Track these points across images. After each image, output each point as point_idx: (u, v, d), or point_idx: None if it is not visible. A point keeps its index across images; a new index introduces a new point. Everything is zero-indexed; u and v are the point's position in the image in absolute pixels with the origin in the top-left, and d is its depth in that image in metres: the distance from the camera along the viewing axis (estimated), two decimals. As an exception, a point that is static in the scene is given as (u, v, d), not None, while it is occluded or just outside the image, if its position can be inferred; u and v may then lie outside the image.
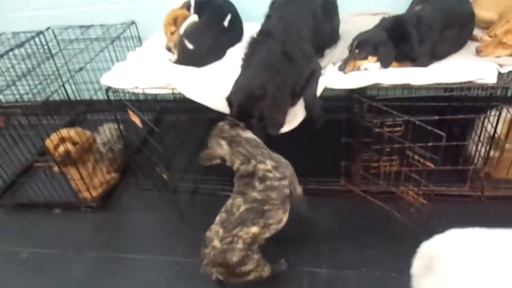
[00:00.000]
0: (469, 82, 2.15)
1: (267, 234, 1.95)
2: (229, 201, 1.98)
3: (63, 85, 2.82)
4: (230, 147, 2.06)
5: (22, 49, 3.00)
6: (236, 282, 1.95)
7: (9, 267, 2.52)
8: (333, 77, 2.28)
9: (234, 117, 2.13)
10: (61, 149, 2.60)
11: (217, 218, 1.95)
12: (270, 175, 1.98)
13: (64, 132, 2.63)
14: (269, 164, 2.00)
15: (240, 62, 2.31)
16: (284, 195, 2.00)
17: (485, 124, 2.36)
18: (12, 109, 2.51)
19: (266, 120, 2.11)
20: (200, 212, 2.72)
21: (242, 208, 1.92)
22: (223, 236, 1.86)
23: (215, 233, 1.90)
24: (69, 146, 2.63)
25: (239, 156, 2.04)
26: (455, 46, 2.32)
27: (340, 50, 2.54)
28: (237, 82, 2.18)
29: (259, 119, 2.11)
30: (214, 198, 2.78)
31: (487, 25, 2.43)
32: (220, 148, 2.12)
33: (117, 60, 3.26)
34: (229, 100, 2.18)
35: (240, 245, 1.85)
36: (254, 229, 1.89)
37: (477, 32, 2.43)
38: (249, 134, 2.09)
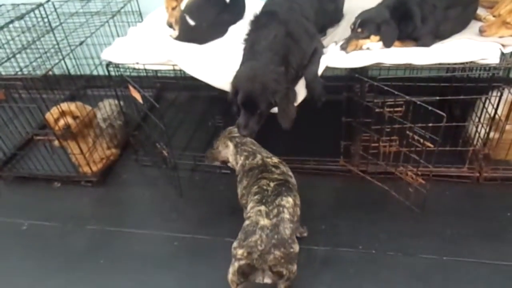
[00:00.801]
0: (471, 62, 2.14)
1: (295, 217, 1.93)
2: (254, 187, 1.97)
3: (63, 59, 2.80)
4: (236, 147, 2.19)
5: (22, 21, 2.97)
6: (290, 276, 1.80)
7: (9, 238, 2.55)
8: (335, 56, 2.26)
9: (240, 103, 2.09)
10: (61, 122, 2.60)
11: (251, 204, 1.91)
12: (281, 166, 2.09)
13: (64, 106, 2.63)
14: (275, 159, 2.13)
15: (243, 44, 2.28)
16: (295, 185, 2.05)
17: (486, 105, 2.36)
18: (12, 81, 2.49)
19: (279, 114, 2.12)
20: (199, 190, 2.75)
21: (272, 184, 1.95)
22: (268, 211, 1.82)
23: (257, 213, 1.83)
24: (70, 120, 2.63)
25: (243, 153, 2.16)
26: (459, 25, 2.30)
27: (342, 29, 2.52)
28: (246, 69, 2.13)
29: (265, 111, 2.10)
30: (213, 176, 2.81)
31: (491, 5, 2.41)
32: (226, 149, 2.24)
33: (118, 36, 3.22)
34: (234, 85, 2.12)
35: (287, 214, 1.82)
36: (291, 200, 1.90)
37: (481, 11, 2.41)
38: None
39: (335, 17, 2.65)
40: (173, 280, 2.20)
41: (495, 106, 2.27)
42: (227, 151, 2.24)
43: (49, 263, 2.36)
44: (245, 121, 2.10)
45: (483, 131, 2.42)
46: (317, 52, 2.27)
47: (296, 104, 2.26)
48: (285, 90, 2.09)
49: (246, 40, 2.28)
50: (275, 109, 2.18)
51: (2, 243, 2.52)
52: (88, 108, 2.82)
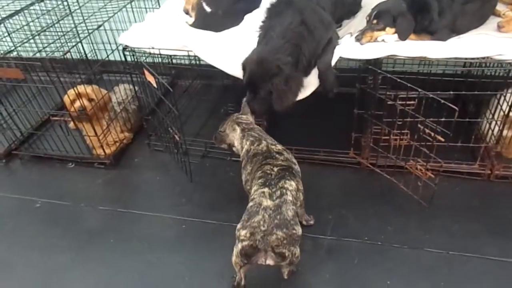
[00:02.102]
0: (487, 58, 2.12)
1: (298, 203, 1.97)
2: (258, 172, 2.00)
3: (81, 42, 2.84)
4: (242, 131, 2.23)
5: (42, 4, 3.02)
6: (293, 259, 1.82)
7: (23, 214, 2.62)
8: (349, 47, 2.26)
9: (244, 83, 2.17)
10: (77, 104, 2.65)
11: (255, 187, 1.94)
12: (285, 153, 2.12)
13: (81, 88, 2.68)
14: (279, 146, 2.15)
15: (258, 30, 2.31)
16: (298, 172, 2.08)
17: (500, 102, 2.33)
18: (31, 61, 2.54)
19: (274, 97, 2.15)
20: (209, 175, 2.78)
21: (275, 169, 1.99)
22: (271, 192, 1.85)
23: (260, 194, 1.86)
24: (85, 102, 2.68)
25: (250, 138, 2.19)
26: (476, 20, 2.28)
27: (358, 20, 2.52)
28: (254, 54, 2.18)
29: (266, 94, 2.15)
30: (222, 163, 2.84)
31: (511, 1, 2.37)
32: (233, 132, 2.27)
33: (135, 21, 3.26)
34: (244, 66, 2.20)
35: (289, 196, 1.86)
36: (294, 184, 1.93)
37: (500, 7, 2.37)
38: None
39: (353, 8, 2.64)
40: (179, 262, 2.24)
41: (510, 103, 2.25)
42: (234, 135, 2.27)
43: (60, 240, 2.42)
44: (248, 99, 2.22)
45: (496, 128, 2.40)
46: (331, 42, 2.27)
47: (306, 94, 2.28)
48: (285, 76, 2.11)
49: (261, 27, 2.31)
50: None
51: (16, 219, 2.59)
52: (104, 91, 2.86)
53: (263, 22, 2.31)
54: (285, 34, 2.15)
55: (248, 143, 2.18)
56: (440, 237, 2.24)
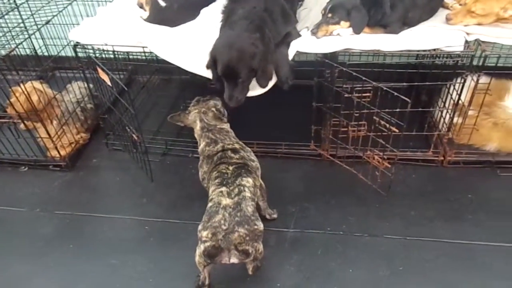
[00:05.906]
0: (437, 49, 2.20)
1: (256, 198, 1.99)
2: (214, 172, 2.01)
3: (29, 38, 2.70)
4: (201, 130, 2.22)
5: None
6: (257, 255, 1.84)
7: (-27, 223, 2.49)
8: (305, 41, 2.28)
9: (221, 74, 2.12)
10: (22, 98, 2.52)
11: (212, 187, 1.95)
12: (241, 151, 2.12)
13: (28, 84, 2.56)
14: (236, 145, 2.15)
15: (220, 17, 2.29)
16: (256, 168, 2.10)
17: (450, 92, 2.43)
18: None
19: (257, 74, 2.15)
20: (170, 174, 2.74)
21: (230, 168, 2.00)
22: (229, 191, 1.87)
23: (218, 194, 1.87)
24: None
25: (206, 139, 2.18)
26: (427, 13, 2.35)
27: (314, 14, 2.53)
28: (223, 39, 2.14)
29: (248, 77, 2.13)
30: (184, 160, 2.80)
31: (458, -7, 2.47)
32: (194, 123, 2.27)
33: (87, 16, 3.14)
34: (214, 55, 2.13)
35: (248, 193, 1.87)
36: (251, 180, 1.95)
37: (448, 0, 2.46)
38: (224, 125, 2.27)
39: None
40: (143, 264, 2.20)
41: (459, 92, 2.35)
42: (195, 126, 2.27)
43: (16, 249, 2.32)
44: (229, 92, 2.14)
45: (447, 116, 2.50)
46: (289, 36, 2.29)
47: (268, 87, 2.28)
48: (262, 52, 2.11)
49: (223, 12, 2.29)
50: (252, 92, 2.23)
51: (-34, 228, 2.46)
52: (49, 91, 2.74)
53: (225, 7, 2.29)
54: (248, 16, 2.15)
55: (203, 143, 2.19)
56: (398, 224, 2.32)
